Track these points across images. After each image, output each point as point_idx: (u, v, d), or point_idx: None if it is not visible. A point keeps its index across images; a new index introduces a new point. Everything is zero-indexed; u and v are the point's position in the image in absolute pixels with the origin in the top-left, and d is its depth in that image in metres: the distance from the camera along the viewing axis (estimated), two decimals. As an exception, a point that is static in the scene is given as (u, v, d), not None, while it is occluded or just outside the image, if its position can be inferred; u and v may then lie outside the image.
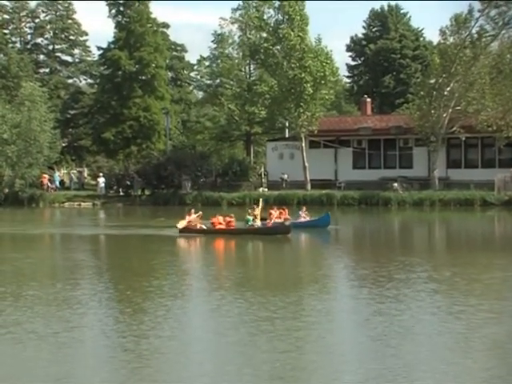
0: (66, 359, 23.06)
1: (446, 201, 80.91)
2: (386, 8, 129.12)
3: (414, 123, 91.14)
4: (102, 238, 61.58)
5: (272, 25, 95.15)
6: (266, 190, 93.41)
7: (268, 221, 57.94)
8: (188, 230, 56.33)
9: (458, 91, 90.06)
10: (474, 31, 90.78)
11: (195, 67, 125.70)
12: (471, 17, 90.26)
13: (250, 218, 56.71)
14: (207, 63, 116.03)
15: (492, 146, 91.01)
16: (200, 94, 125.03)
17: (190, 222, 57.46)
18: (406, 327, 26.83)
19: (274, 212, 59.25)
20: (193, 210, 59.44)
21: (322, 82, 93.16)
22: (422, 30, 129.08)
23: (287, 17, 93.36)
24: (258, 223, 56.78)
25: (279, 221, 58.62)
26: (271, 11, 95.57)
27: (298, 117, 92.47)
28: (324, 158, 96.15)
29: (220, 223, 56.87)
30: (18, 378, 21.29)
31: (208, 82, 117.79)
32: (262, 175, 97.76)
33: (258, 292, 33.76)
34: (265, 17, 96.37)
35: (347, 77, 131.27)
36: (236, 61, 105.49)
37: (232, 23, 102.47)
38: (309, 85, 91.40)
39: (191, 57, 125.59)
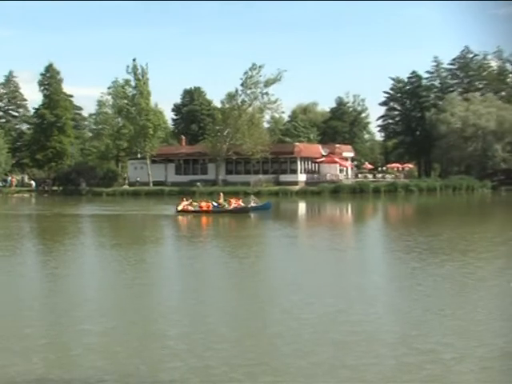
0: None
1: (226, 192, 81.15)
2: (193, 88, 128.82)
3: (208, 150, 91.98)
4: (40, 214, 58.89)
5: (130, 95, 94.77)
6: (128, 186, 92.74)
7: (228, 205, 51.11)
8: (185, 211, 49.93)
9: (231, 133, 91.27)
10: (239, 101, 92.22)
11: (87, 119, 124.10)
12: (237, 93, 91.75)
13: (225, 203, 51.46)
14: (94, 116, 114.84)
15: (249, 163, 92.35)
16: (90, 134, 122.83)
17: (184, 206, 50.74)
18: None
19: (234, 200, 52.48)
20: (184, 199, 52.42)
21: (158, 127, 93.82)
22: (212, 100, 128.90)
23: (139, 91, 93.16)
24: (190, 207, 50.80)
25: (240, 205, 51.69)
26: (130, 88, 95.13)
27: (144, 147, 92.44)
28: (159, 169, 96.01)
29: (204, 206, 50.54)
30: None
31: (94, 127, 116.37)
32: (125, 178, 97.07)
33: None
34: (126, 91, 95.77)
35: (172, 125, 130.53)
36: (110, 115, 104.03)
37: (108, 94, 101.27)
38: (151, 129, 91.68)
39: (85, 113, 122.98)
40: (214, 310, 16.99)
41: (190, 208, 50.93)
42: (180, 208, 51.05)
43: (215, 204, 51.65)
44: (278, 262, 25.70)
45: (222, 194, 55.51)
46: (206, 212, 49.99)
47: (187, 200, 52.35)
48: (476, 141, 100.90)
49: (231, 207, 51.14)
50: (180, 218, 48.29)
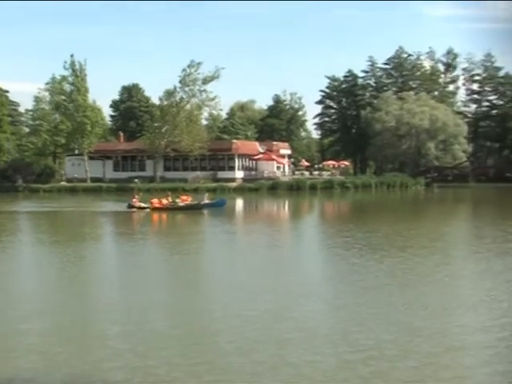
0: None
1: (163, 188, 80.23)
2: (131, 84, 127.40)
3: (146, 147, 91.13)
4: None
5: (68, 92, 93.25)
6: (65, 183, 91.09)
7: (181, 203, 49.95)
8: (136, 208, 48.78)
9: (169, 130, 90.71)
10: (177, 98, 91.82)
11: (24, 115, 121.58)
12: (175, 90, 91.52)
13: (178, 200, 50.19)
14: (31, 112, 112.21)
15: (187, 160, 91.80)
16: (27, 130, 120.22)
17: (136, 202, 49.24)
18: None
19: (185, 197, 51.90)
20: (136, 195, 50.92)
21: (96, 124, 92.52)
22: (151, 97, 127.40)
23: (77, 88, 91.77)
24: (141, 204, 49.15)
25: (192, 202, 50.88)
26: (68, 85, 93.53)
27: (82, 143, 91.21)
28: (97, 165, 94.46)
29: (156, 203, 49.28)
30: None
31: (31, 123, 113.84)
32: (63, 175, 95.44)
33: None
34: (64, 87, 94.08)
35: (110, 121, 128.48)
36: (48, 111, 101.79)
37: (45, 90, 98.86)
38: (88, 126, 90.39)
39: (22, 109, 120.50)
40: (154, 307, 16.73)
41: (142, 204, 49.81)
42: (131, 204, 49.93)
43: (166, 201, 50.50)
44: (219, 259, 25.53)
45: (169, 192, 54.50)
46: (158, 209, 49.02)
47: (138, 196, 51.26)
48: (410, 139, 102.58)
49: (183, 204, 50.28)
50: (130, 214, 47.43)
